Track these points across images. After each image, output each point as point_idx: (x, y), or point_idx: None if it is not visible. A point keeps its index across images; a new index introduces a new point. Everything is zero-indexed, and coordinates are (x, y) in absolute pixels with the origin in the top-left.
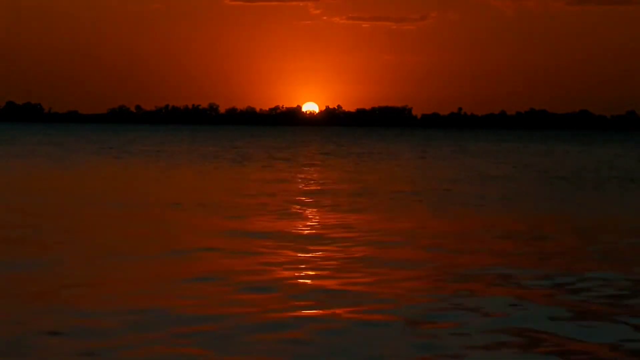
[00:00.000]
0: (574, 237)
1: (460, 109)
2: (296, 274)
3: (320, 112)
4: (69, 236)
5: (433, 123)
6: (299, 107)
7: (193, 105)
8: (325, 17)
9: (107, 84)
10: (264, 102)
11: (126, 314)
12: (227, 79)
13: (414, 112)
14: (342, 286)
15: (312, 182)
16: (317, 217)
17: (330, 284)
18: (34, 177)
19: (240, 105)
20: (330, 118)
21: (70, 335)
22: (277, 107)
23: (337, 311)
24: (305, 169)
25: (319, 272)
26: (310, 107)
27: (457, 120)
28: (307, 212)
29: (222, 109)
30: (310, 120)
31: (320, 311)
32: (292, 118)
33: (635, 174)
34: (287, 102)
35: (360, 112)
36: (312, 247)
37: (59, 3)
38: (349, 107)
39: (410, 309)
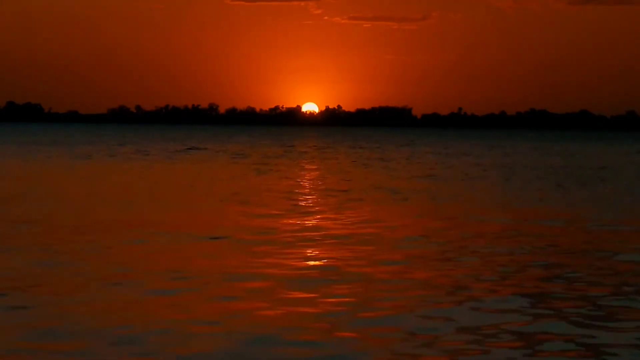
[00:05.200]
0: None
1: (460, 109)
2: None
3: (320, 112)
4: None
5: (433, 123)
6: (299, 107)
7: (193, 105)
8: (326, 17)
9: (107, 84)
10: (264, 102)
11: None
12: (227, 79)
13: (414, 112)
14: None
15: None
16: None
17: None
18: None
19: (240, 105)
20: (330, 118)
21: None
22: (277, 107)
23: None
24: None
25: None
26: (310, 107)
27: (457, 120)
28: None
29: (222, 109)
30: (310, 120)
31: None
32: (292, 118)
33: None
34: (287, 102)
35: (360, 112)
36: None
37: (58, 3)
38: (349, 107)
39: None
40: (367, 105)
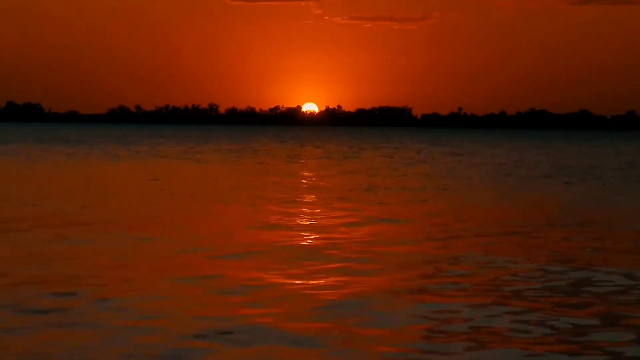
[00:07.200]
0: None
1: (460, 108)
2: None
3: (321, 112)
4: None
5: (433, 123)
6: (299, 107)
7: (193, 105)
8: (326, 17)
9: (107, 84)
10: (264, 102)
11: None
12: (227, 79)
13: (414, 112)
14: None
15: None
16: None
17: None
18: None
19: (240, 105)
20: (330, 118)
21: None
22: (277, 107)
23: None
24: None
25: None
26: (310, 107)
27: (457, 120)
28: None
29: (222, 109)
30: (310, 120)
31: None
32: (292, 118)
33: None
34: (287, 102)
35: (360, 112)
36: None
37: (58, 3)
38: (349, 107)
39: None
40: (367, 105)
